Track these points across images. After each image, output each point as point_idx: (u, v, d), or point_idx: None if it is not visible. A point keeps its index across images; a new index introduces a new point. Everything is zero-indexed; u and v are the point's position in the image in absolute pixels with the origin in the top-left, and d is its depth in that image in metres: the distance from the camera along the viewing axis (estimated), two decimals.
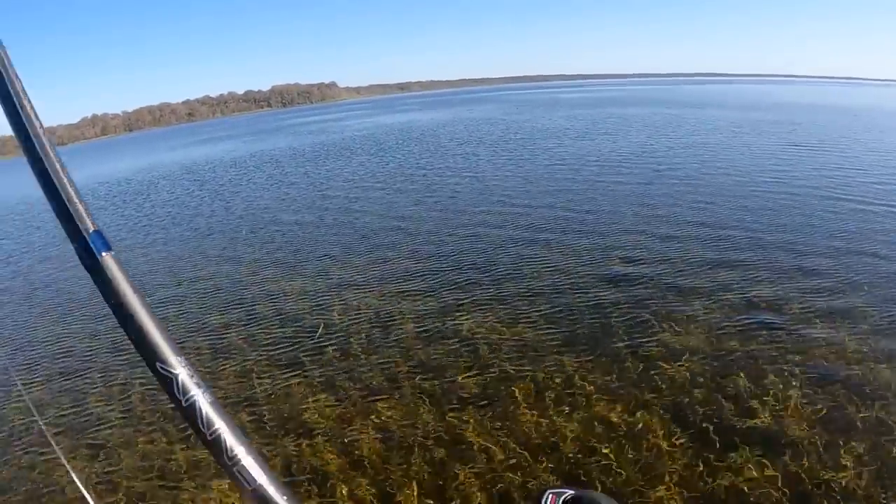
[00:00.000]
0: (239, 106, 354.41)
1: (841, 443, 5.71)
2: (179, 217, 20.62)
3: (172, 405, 0.86)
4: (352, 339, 8.72)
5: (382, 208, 17.63)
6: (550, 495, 1.34)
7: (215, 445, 0.82)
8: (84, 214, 0.89)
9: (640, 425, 6.17)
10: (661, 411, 6.38)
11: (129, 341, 0.89)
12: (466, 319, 9.04)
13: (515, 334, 8.43)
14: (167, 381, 0.88)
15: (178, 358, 0.89)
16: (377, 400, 7.07)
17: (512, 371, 7.41)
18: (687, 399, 6.58)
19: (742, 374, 6.96)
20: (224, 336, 9.48)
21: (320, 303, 10.42)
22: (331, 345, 8.63)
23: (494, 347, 8.09)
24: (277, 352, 8.67)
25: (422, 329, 8.88)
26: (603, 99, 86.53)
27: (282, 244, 14.76)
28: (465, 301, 9.79)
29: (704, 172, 20.30)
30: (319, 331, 9.13)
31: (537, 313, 9.09)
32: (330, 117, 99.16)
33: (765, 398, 6.48)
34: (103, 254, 0.89)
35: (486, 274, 11.09)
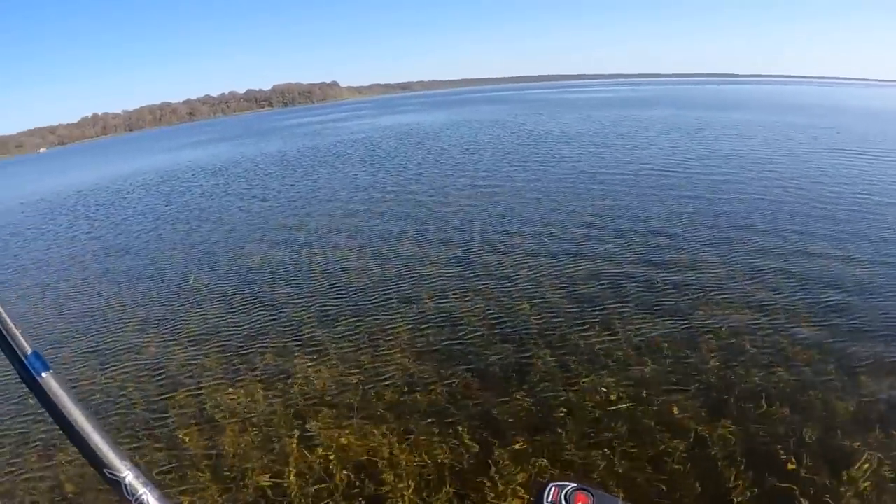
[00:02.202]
0: (240, 105, 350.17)
1: None
2: (126, 245, 16.87)
3: None
4: None
5: (372, 242, 13.61)
6: (553, 488, 1.25)
7: None
8: (20, 339, 0.91)
9: None
10: None
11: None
12: None
13: None
14: (116, 484, 0.93)
15: (125, 462, 0.94)
16: None
17: None
18: None
19: None
20: None
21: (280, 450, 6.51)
22: None
23: None
24: None
25: None
26: (614, 100, 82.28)
27: (237, 305, 10.68)
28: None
29: (770, 185, 16.87)
30: None
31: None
32: (329, 118, 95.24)
33: None
34: (43, 374, 0.92)
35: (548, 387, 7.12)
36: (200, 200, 23.57)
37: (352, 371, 7.66)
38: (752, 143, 27.08)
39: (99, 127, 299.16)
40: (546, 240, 12.46)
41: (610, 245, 11.83)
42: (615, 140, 29.76)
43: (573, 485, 1.23)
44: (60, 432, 0.91)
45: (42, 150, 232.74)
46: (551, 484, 1.26)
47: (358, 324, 9.08)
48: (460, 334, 8.40)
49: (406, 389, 7.10)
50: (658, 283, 9.72)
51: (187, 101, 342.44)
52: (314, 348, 8.41)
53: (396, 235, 13.99)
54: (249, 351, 8.59)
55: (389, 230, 14.59)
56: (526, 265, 10.96)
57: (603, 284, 9.80)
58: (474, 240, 12.92)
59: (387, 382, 7.29)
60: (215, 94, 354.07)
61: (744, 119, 40.24)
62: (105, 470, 0.92)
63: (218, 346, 8.90)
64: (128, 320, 10.51)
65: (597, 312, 8.71)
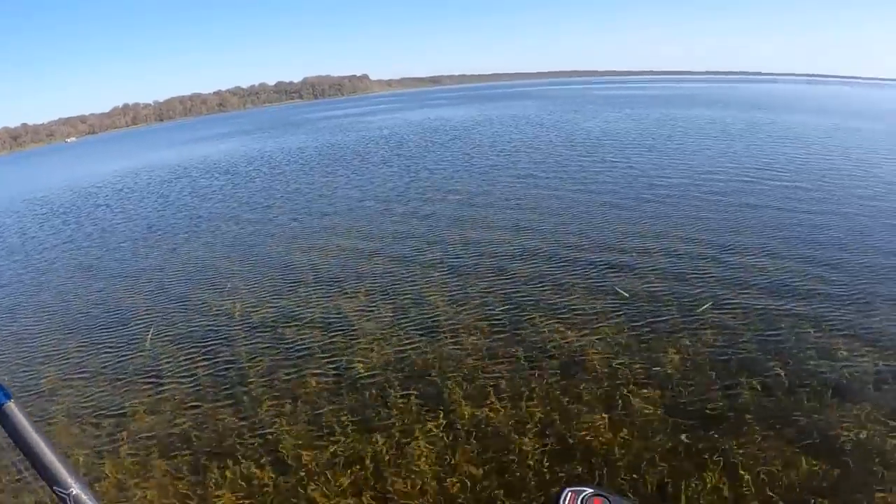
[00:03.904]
0: (270, 97, 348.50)
1: None
2: (97, 263, 14.18)
3: None
4: None
5: (388, 285, 10.37)
6: (569, 493, 1.26)
7: None
8: None
9: None
10: None
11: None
12: None
13: None
14: (63, 500, 1.03)
15: (73, 477, 1.05)
16: None
17: None
18: None
19: None
20: None
21: None
22: None
23: None
24: None
25: None
26: (654, 97, 77.27)
27: (201, 389, 7.92)
28: None
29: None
30: None
31: None
32: (356, 111, 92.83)
33: None
34: (4, 404, 1.04)
35: None
36: (200, 205, 21.19)
37: None
38: (813, 149, 23.47)
39: (129, 117, 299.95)
40: (629, 281, 9.24)
41: (714, 298, 8.55)
42: (664, 143, 26.33)
43: (590, 490, 1.23)
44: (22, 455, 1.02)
45: (70, 139, 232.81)
46: (567, 489, 1.25)
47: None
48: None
49: None
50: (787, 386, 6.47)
51: (217, 92, 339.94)
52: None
53: (420, 276, 10.67)
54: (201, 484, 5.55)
55: (412, 266, 11.30)
56: (599, 341, 7.69)
57: (735, 390, 6.59)
58: (521, 291, 9.61)
59: None
60: (245, 85, 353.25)
61: (796, 122, 35.92)
62: (55, 487, 1.03)
63: (166, 472, 5.87)
64: (61, 398, 7.52)
65: (709, 446, 5.49)
